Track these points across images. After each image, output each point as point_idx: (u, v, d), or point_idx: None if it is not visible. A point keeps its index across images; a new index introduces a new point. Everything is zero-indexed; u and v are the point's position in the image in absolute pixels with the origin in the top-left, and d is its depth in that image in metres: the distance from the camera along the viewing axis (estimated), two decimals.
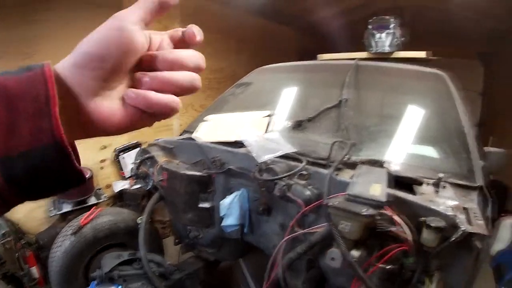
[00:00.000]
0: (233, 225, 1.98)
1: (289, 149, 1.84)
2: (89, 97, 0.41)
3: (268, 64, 2.97)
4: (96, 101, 0.42)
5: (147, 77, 0.44)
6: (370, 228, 1.25)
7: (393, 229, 1.23)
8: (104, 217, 2.65)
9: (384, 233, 1.25)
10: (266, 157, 1.77)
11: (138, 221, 2.45)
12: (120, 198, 3.60)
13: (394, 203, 1.30)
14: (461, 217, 1.31)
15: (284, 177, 1.66)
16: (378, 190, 1.31)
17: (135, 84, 0.45)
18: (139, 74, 0.45)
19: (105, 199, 3.43)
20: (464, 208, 1.45)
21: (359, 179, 1.46)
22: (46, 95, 0.37)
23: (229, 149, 2.06)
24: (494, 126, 6.76)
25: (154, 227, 3.03)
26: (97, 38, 0.40)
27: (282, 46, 6.34)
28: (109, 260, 2.34)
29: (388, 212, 1.25)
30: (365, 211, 1.20)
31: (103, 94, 0.42)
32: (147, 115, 0.45)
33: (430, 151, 1.91)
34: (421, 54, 2.70)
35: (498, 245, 4.08)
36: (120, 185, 3.59)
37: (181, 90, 0.46)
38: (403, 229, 1.23)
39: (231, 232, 2.00)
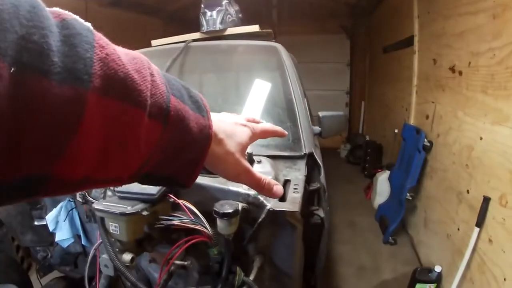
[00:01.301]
0: (67, 238, 1.80)
1: None
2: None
3: None
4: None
5: None
6: (150, 224, 1.06)
7: (176, 221, 1.05)
8: None
9: (180, 227, 1.07)
10: None
11: None
12: None
13: (189, 191, 1.13)
14: None
15: None
16: None
17: None
18: None
19: None
20: (287, 181, 1.34)
21: None
22: (202, 152, 0.48)
23: None
24: (363, 92, 7.21)
25: (20, 256, 2.86)
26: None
27: (146, 36, 6.09)
28: None
29: (176, 200, 1.08)
30: (130, 208, 1.01)
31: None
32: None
33: None
34: (254, 28, 2.58)
35: (379, 199, 4.29)
36: None
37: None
38: (195, 218, 1.06)
39: (73, 246, 1.85)
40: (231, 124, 0.55)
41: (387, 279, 3.18)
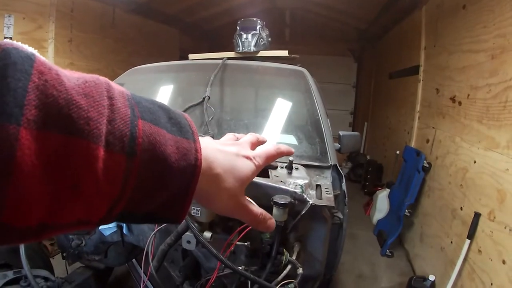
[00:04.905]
0: (110, 227, 1.98)
1: None
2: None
3: (149, 63, 3.00)
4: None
5: None
6: None
7: None
8: None
9: None
10: None
11: None
12: None
13: (249, 187, 1.43)
14: (311, 193, 1.50)
15: None
16: None
17: None
18: None
19: None
20: (318, 185, 1.64)
21: None
22: (188, 182, 0.42)
23: None
24: (367, 113, 7.54)
25: (42, 244, 2.91)
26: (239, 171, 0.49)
27: (165, 45, 6.34)
28: None
29: None
30: None
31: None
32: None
33: (289, 139, 2.12)
34: (283, 52, 2.94)
35: (378, 215, 4.58)
36: None
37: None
38: None
39: (111, 235, 2.00)
40: (230, 156, 0.49)
41: (384, 287, 3.46)
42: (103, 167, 0.32)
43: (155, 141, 0.37)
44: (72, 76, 0.33)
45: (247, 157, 0.51)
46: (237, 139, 0.58)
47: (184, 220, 1.54)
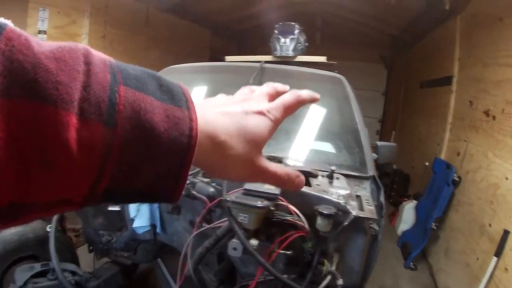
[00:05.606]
0: (145, 226, 1.98)
1: None
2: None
3: (180, 63, 3.00)
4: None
5: None
6: (268, 218, 1.37)
7: (289, 218, 1.35)
8: (12, 228, 2.49)
9: (282, 222, 1.37)
10: None
11: (48, 229, 2.33)
12: None
13: (292, 195, 1.43)
14: (353, 204, 1.48)
15: (189, 175, 1.71)
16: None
17: None
18: None
19: None
20: (357, 196, 1.62)
21: None
22: (182, 154, 0.36)
23: None
24: (395, 122, 7.44)
25: (67, 236, 2.92)
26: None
27: (196, 45, 6.38)
28: (22, 274, 2.21)
29: (284, 203, 1.38)
30: (259, 203, 1.31)
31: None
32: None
33: (328, 147, 2.10)
34: (322, 58, 2.93)
35: (403, 226, 4.51)
36: None
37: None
38: (299, 217, 1.36)
39: (144, 233, 2.01)
40: (237, 117, 0.43)
41: None
42: (76, 138, 0.29)
43: (139, 108, 0.32)
44: (46, 43, 0.30)
45: (259, 113, 0.44)
46: (253, 92, 0.50)
47: (227, 224, 1.55)
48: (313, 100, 0.52)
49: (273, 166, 0.46)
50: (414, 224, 4.29)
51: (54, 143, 0.28)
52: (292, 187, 0.49)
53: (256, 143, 0.43)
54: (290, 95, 0.49)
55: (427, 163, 4.55)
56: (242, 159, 0.42)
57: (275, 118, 0.45)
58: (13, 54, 0.27)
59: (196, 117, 0.37)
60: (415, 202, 4.45)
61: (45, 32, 3.62)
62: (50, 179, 0.29)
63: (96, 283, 2.36)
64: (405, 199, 4.96)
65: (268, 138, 0.44)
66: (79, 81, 0.29)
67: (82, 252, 2.97)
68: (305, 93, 0.50)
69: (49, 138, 0.28)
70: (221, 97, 0.49)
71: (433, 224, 3.66)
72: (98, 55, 0.33)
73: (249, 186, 1.41)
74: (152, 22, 5.02)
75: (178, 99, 0.37)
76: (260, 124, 0.43)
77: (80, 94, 0.29)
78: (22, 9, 3.53)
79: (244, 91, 0.51)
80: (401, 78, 7.35)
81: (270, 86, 0.51)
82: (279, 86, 0.51)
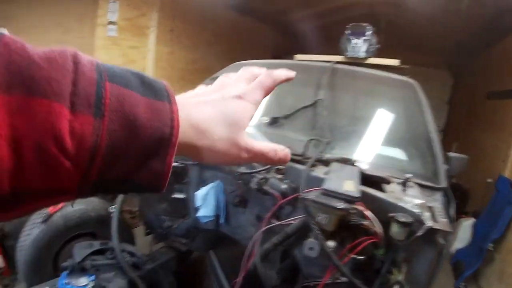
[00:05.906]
0: (209, 216, 2.01)
1: None
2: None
3: (241, 59, 3.01)
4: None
5: None
6: (343, 221, 1.35)
7: (364, 222, 1.33)
8: (75, 205, 2.61)
9: (356, 226, 1.35)
10: None
11: (110, 210, 2.42)
12: None
13: (366, 199, 1.40)
14: (426, 214, 1.43)
15: (262, 170, 1.73)
16: (351, 186, 1.40)
17: None
18: None
19: None
20: (429, 207, 1.57)
21: (333, 175, 1.55)
22: (165, 144, 0.38)
23: None
24: (458, 133, 7.13)
25: (123, 217, 3.01)
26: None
27: (258, 43, 6.43)
28: (81, 250, 2.28)
29: (359, 207, 1.35)
30: (341, 205, 1.29)
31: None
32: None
33: (399, 153, 2.04)
34: (394, 62, 2.85)
35: (458, 244, 4.33)
36: None
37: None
38: (374, 223, 1.33)
39: (207, 223, 2.05)
40: (216, 104, 0.46)
41: None
42: (69, 128, 0.32)
43: (124, 102, 0.35)
44: (37, 48, 0.33)
45: (237, 97, 0.47)
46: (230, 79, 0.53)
47: (294, 223, 1.55)
48: (288, 79, 0.54)
49: (258, 144, 0.49)
50: (470, 242, 4.11)
51: (49, 132, 0.31)
52: (279, 162, 0.52)
53: (237, 126, 0.46)
54: (266, 76, 0.51)
55: (490, 180, 4.33)
56: (227, 142, 0.45)
57: (253, 99, 0.48)
58: (10, 56, 0.30)
59: (177, 109, 0.40)
60: (473, 220, 4.25)
61: (115, 23, 3.75)
62: (46, 168, 0.32)
63: (152, 266, 2.41)
64: (463, 215, 4.75)
65: (249, 118, 0.47)
66: (69, 78, 0.33)
67: (137, 233, 3.06)
68: (280, 72, 0.53)
69: (45, 128, 0.31)
70: (201, 88, 0.52)
71: (490, 245, 3.50)
72: (85, 56, 0.36)
73: (328, 186, 1.40)
74: (218, 18, 5.09)
75: (160, 94, 0.39)
76: (239, 108, 0.46)
77: (70, 89, 0.32)
78: (92, 1, 3.66)
79: (222, 79, 0.53)
80: (466, 87, 7.02)
81: (246, 71, 0.53)
82: (255, 69, 0.53)
